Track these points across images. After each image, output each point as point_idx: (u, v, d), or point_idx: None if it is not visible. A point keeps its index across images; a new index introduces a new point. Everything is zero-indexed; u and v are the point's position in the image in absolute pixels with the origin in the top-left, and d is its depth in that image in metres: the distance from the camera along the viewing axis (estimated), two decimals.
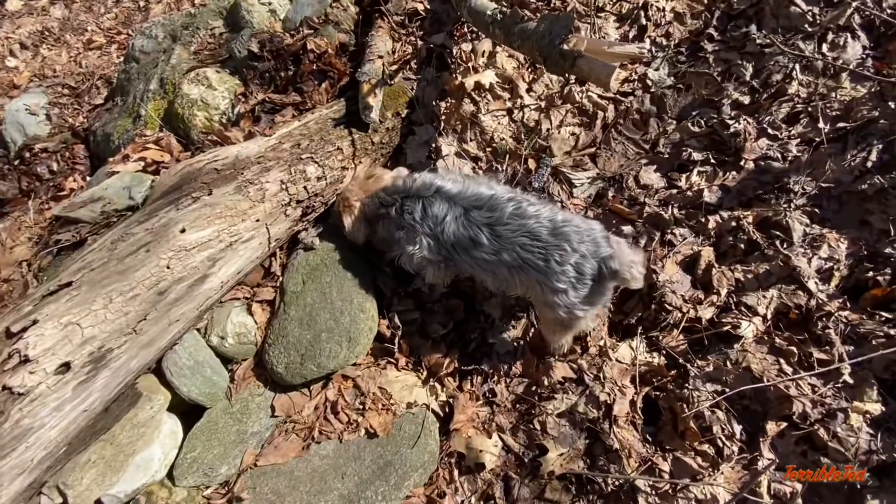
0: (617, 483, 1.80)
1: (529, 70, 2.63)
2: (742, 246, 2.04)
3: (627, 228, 2.24)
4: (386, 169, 2.26)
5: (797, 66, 2.30)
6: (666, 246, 2.15)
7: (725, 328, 1.90)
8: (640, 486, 1.75)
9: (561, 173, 2.42)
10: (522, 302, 2.18)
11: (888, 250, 1.85)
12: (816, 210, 2.02)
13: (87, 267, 1.64)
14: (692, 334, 1.97)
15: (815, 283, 1.88)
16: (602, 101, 2.52)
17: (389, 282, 2.32)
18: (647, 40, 2.61)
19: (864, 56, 2.28)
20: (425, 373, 2.17)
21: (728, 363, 1.85)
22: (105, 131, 3.19)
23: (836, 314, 1.81)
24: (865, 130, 2.07)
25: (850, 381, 1.70)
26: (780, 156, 2.17)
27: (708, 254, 2.06)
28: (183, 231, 1.78)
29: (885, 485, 1.56)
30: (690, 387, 1.84)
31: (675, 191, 2.29)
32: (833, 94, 2.21)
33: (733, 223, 2.07)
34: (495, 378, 2.12)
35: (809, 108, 2.22)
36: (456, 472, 1.99)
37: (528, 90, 2.57)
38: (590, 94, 2.52)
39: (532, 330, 2.17)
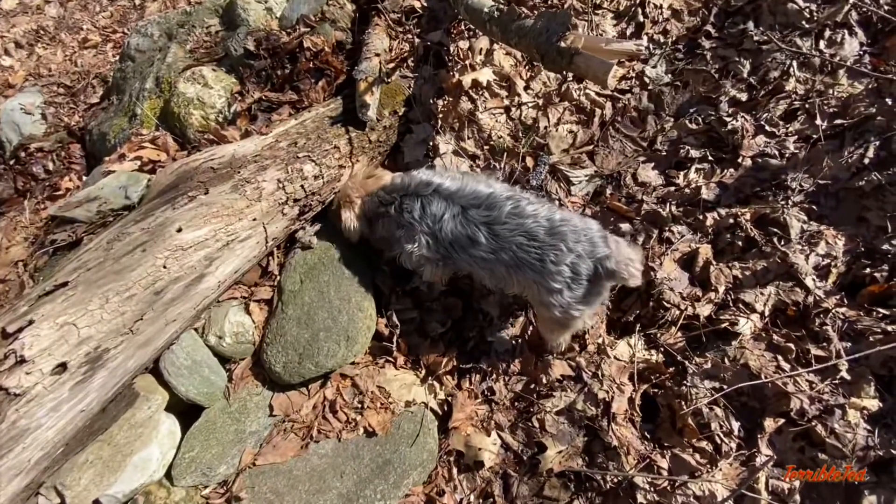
0: (615, 480, 1.80)
1: (527, 68, 2.62)
2: (740, 243, 2.04)
3: (625, 226, 2.24)
4: (385, 169, 2.26)
5: (794, 63, 2.30)
6: (664, 243, 2.15)
7: (723, 325, 1.90)
8: (639, 484, 1.76)
9: (559, 171, 2.41)
10: (520, 300, 2.17)
11: (885, 247, 1.85)
12: (814, 207, 2.03)
13: (83, 267, 1.63)
14: (690, 331, 1.97)
15: (813, 279, 1.89)
16: (600, 98, 2.51)
17: (388, 280, 2.32)
18: (645, 37, 2.61)
19: (861, 52, 2.28)
20: (424, 371, 2.17)
21: (726, 360, 1.85)
22: (101, 130, 3.18)
23: (833, 311, 1.81)
24: (863, 127, 2.08)
25: (848, 377, 1.71)
26: (777, 153, 2.17)
27: (706, 251, 2.06)
28: (179, 230, 1.77)
29: (883, 480, 1.57)
30: (688, 384, 1.84)
31: (672, 188, 2.29)
32: (830, 91, 2.21)
33: (731, 220, 2.08)
34: (494, 376, 2.12)
35: (807, 105, 2.22)
36: (455, 471, 1.99)
37: (526, 88, 2.56)
38: (587, 91, 2.52)
39: (530, 328, 2.17)
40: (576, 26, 2.59)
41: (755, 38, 2.40)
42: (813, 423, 1.67)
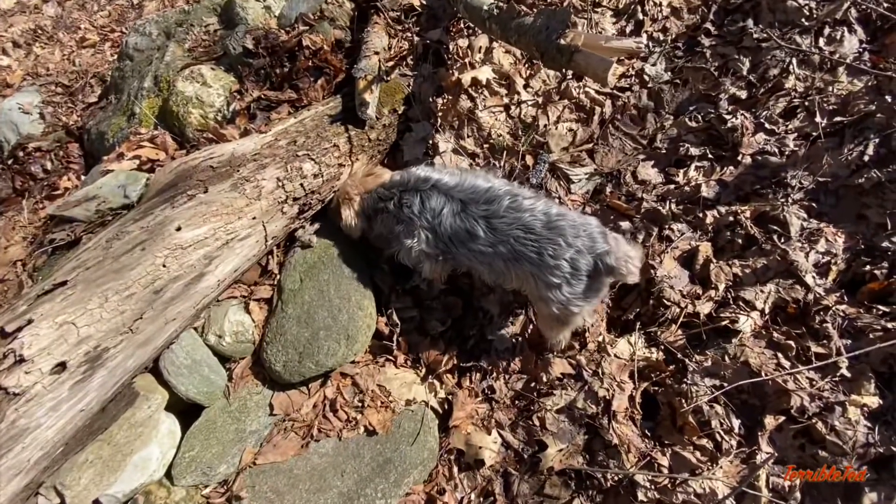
0: (616, 478, 1.80)
1: (526, 66, 2.62)
2: (740, 241, 2.04)
3: (625, 224, 2.24)
4: (385, 168, 2.25)
5: (794, 61, 2.30)
6: (664, 241, 2.15)
7: (723, 323, 1.90)
8: (640, 481, 1.76)
9: (559, 169, 2.41)
10: (520, 298, 2.17)
11: (885, 244, 1.85)
12: (814, 204, 2.03)
13: (82, 266, 1.63)
14: (690, 329, 1.97)
15: (813, 277, 1.89)
16: (599, 96, 2.51)
17: (387, 279, 2.31)
18: (644, 35, 2.61)
19: (860, 50, 2.28)
20: (424, 370, 2.17)
21: (726, 358, 1.85)
22: (99, 130, 3.17)
23: (833, 308, 1.81)
24: (862, 124, 2.07)
25: (848, 374, 1.71)
26: (777, 150, 2.17)
27: (706, 249, 2.06)
28: (179, 229, 1.77)
29: (883, 477, 1.57)
30: (689, 382, 1.84)
31: (672, 186, 2.28)
32: (830, 89, 2.21)
33: (731, 218, 2.07)
34: (494, 375, 2.12)
35: (806, 103, 2.22)
36: (455, 469, 1.99)
37: (525, 86, 2.56)
38: (587, 89, 2.51)
39: (530, 326, 2.16)
40: (575, 24, 2.59)
41: (755, 35, 2.40)
42: (813, 421, 1.67)
